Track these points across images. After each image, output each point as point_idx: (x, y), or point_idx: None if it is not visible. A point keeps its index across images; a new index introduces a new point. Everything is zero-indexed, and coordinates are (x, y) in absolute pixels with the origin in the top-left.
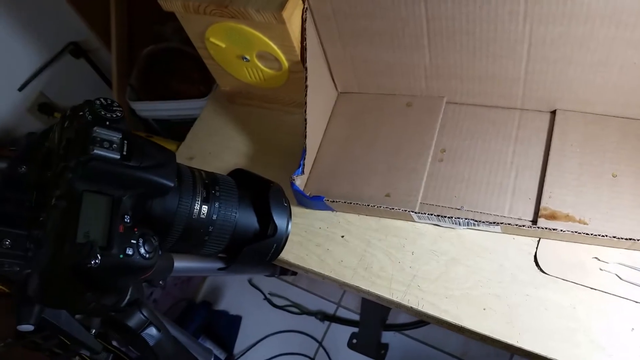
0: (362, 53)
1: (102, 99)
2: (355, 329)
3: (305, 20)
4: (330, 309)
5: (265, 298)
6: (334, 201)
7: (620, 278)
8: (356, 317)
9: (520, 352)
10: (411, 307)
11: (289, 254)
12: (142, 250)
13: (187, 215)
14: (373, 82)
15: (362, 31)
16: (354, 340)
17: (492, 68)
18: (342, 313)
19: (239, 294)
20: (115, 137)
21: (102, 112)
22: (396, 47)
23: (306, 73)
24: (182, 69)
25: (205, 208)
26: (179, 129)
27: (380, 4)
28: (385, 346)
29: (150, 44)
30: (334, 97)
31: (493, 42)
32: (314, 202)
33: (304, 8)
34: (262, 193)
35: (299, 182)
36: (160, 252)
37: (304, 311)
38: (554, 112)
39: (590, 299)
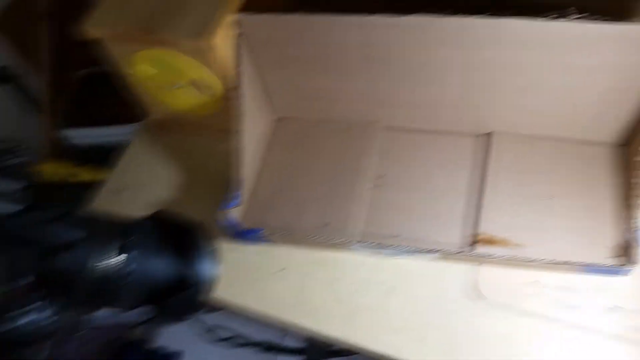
0: (298, 79)
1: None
2: (303, 358)
3: (239, 46)
4: (277, 337)
5: (208, 330)
6: (271, 233)
7: (559, 301)
8: (304, 345)
9: None
10: (349, 343)
11: (223, 292)
12: (42, 315)
13: (99, 268)
14: (311, 107)
15: (298, 57)
16: None
17: (426, 93)
18: (289, 341)
19: (178, 328)
20: (12, 187)
21: None
22: (332, 73)
23: (241, 100)
24: (118, 93)
25: (119, 259)
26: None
27: (314, 30)
28: None
29: (84, 67)
30: (272, 122)
31: (426, 68)
32: (250, 235)
33: (237, 34)
34: (184, 236)
35: (234, 214)
36: (66, 312)
37: (248, 342)
38: (489, 135)
39: (531, 324)
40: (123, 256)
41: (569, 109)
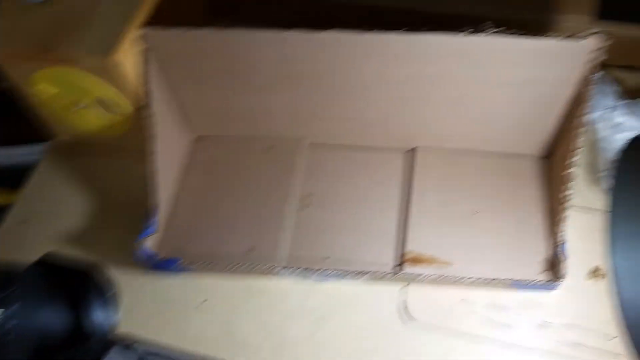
0: (215, 95)
1: None
2: None
3: (147, 62)
4: None
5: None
6: (191, 263)
7: (488, 319)
8: None
9: None
10: None
11: (139, 329)
12: None
13: None
14: (231, 125)
15: (213, 73)
16: None
17: (350, 109)
18: None
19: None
20: None
21: None
22: (250, 89)
23: (151, 119)
24: (24, 110)
25: None
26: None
27: (229, 45)
28: None
29: None
30: (190, 142)
31: (348, 84)
32: (168, 266)
33: (143, 49)
34: (77, 282)
35: (150, 243)
36: None
37: None
38: (414, 150)
39: (463, 344)
40: (0, 312)
41: (492, 123)
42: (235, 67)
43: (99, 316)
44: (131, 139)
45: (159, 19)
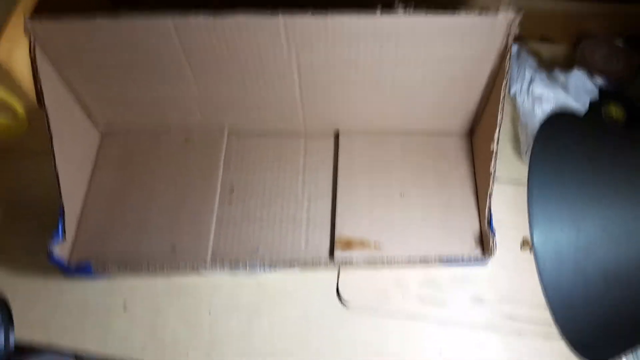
0: (118, 88)
1: None
2: None
3: (35, 58)
4: None
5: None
6: (105, 267)
7: (422, 300)
8: None
9: None
10: None
11: (60, 340)
12: None
13: None
14: (140, 118)
15: (111, 65)
16: None
17: (266, 95)
18: None
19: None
20: None
21: None
22: (157, 80)
23: (48, 120)
24: None
25: None
26: None
27: (122, 35)
28: None
29: None
30: (96, 139)
31: (261, 69)
32: (81, 273)
33: (30, 44)
34: None
35: (60, 250)
36: None
37: None
38: (337, 135)
39: (396, 328)
40: None
41: (414, 103)
42: (134, 58)
43: None
44: (31, 140)
45: (48, 6)
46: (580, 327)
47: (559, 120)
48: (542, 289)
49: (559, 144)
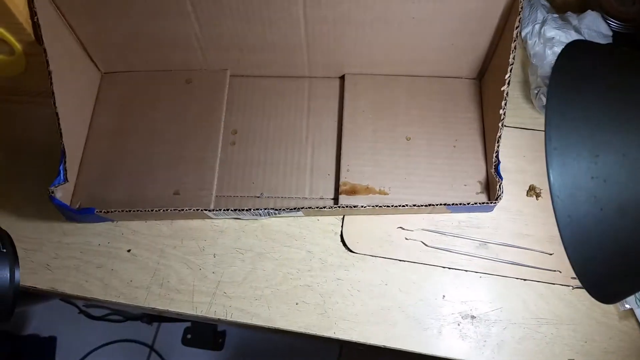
0: (117, 24)
1: None
2: (188, 324)
3: None
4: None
5: (81, 311)
6: (109, 211)
7: (425, 245)
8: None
9: (342, 341)
10: (219, 318)
11: (64, 284)
12: None
13: None
14: (141, 57)
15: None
16: (189, 336)
17: (270, 34)
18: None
19: (48, 313)
20: None
21: None
22: (156, 16)
23: (46, 56)
24: None
25: None
26: None
27: None
28: (222, 334)
29: None
30: (97, 79)
31: (265, 4)
32: (84, 215)
33: None
34: None
35: (62, 193)
36: None
37: (127, 317)
38: (342, 78)
39: (400, 272)
40: None
41: (421, 44)
42: None
43: None
44: (30, 80)
45: None
46: (592, 262)
47: (579, 48)
48: (556, 221)
49: (579, 71)
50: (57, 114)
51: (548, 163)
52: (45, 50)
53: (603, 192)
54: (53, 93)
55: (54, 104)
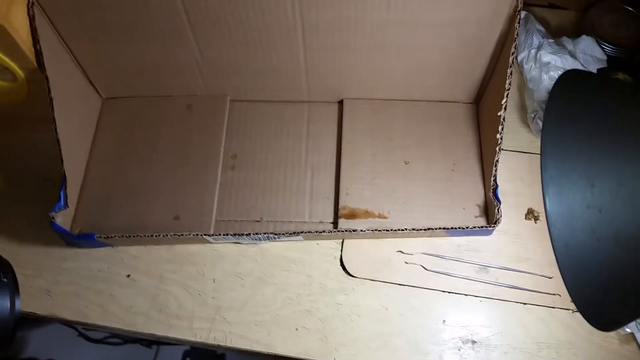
0: (118, 50)
1: None
2: (187, 347)
3: (34, 17)
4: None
5: (80, 334)
6: (109, 237)
7: (425, 269)
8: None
9: None
10: (218, 344)
11: (64, 310)
12: None
13: None
14: (142, 83)
15: (111, 25)
16: (188, 359)
17: (270, 60)
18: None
19: (46, 336)
20: None
21: None
22: (157, 42)
23: (48, 83)
24: None
25: None
26: None
27: None
28: (222, 357)
29: None
30: (98, 105)
31: (265, 32)
32: (85, 241)
33: (28, 3)
34: None
35: (62, 218)
36: None
37: (126, 340)
38: (341, 102)
39: (400, 296)
40: None
41: (419, 69)
42: (133, 18)
43: None
44: (31, 106)
45: None
46: (589, 290)
47: (573, 78)
48: (553, 249)
49: (574, 100)
50: (58, 140)
51: (544, 192)
52: (47, 77)
53: (599, 221)
54: (54, 120)
55: (55, 130)
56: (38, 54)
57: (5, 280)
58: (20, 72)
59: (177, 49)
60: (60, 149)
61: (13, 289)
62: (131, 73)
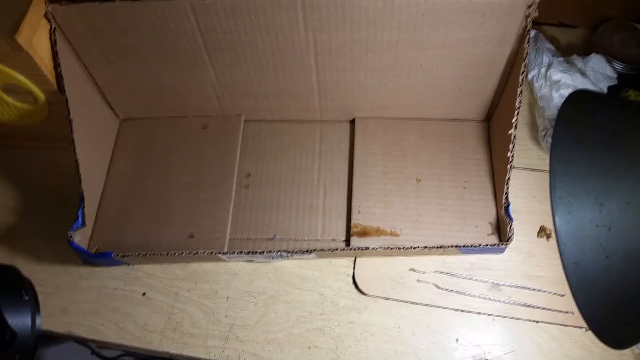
0: (136, 73)
1: None
2: None
3: (56, 42)
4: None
5: (93, 352)
6: (125, 255)
7: (438, 287)
8: None
9: None
10: None
11: (80, 328)
12: None
13: None
14: (158, 104)
15: (129, 49)
16: None
17: (283, 81)
18: None
19: (60, 354)
20: None
21: None
22: (174, 65)
23: (68, 104)
24: None
25: None
26: None
27: (141, 17)
28: None
29: None
30: (115, 125)
31: (278, 54)
32: (101, 259)
33: (51, 28)
34: None
35: (80, 237)
36: None
37: (140, 358)
38: (353, 121)
39: (413, 315)
40: None
41: (430, 89)
42: (152, 42)
43: (15, 320)
44: (50, 126)
45: None
46: (601, 309)
47: (581, 98)
48: (562, 268)
49: (582, 120)
50: (76, 160)
51: (554, 211)
52: (67, 99)
53: (608, 240)
54: (73, 140)
55: (74, 150)
56: (59, 77)
57: (27, 298)
58: (41, 94)
59: (193, 71)
60: (78, 169)
61: (34, 307)
62: (148, 94)
